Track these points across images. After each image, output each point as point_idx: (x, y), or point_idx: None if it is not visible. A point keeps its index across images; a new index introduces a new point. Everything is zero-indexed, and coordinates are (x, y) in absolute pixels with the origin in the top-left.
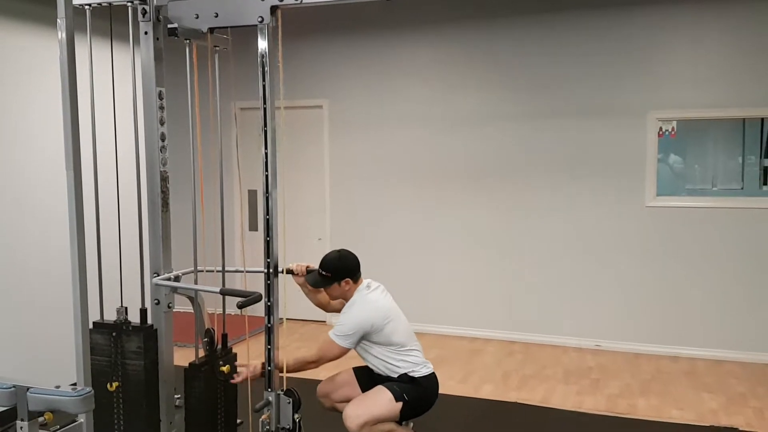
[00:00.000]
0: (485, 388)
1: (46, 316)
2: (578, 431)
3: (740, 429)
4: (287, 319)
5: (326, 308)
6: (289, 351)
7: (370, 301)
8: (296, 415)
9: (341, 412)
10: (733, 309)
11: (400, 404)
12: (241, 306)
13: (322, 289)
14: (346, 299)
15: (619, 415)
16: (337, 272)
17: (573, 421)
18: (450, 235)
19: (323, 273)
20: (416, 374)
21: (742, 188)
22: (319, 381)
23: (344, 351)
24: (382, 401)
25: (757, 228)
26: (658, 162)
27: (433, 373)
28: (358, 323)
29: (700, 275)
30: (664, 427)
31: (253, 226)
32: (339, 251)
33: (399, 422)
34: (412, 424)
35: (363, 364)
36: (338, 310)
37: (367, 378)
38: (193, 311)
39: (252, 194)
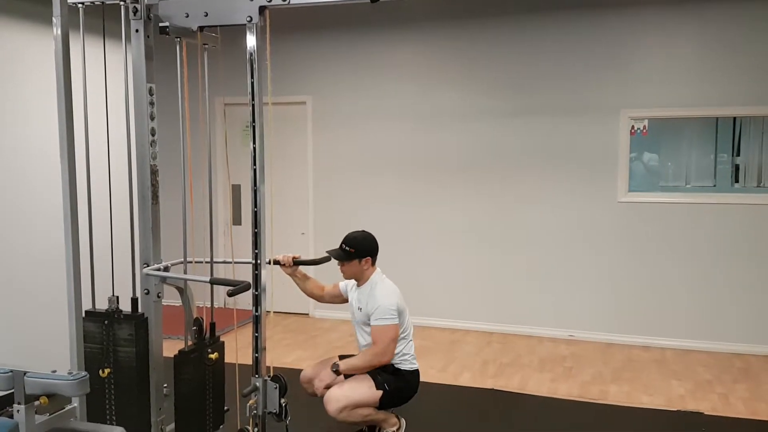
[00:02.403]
0: (464, 375)
1: (38, 306)
2: (552, 416)
3: (706, 413)
4: (271, 312)
5: (319, 297)
6: (273, 342)
7: (392, 284)
8: (282, 400)
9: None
10: (701, 301)
11: (380, 393)
12: (231, 294)
13: (339, 264)
14: (360, 279)
15: (592, 401)
16: (361, 250)
17: (547, 406)
18: (429, 229)
19: (347, 248)
20: (402, 366)
21: (714, 186)
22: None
23: (398, 329)
24: (362, 388)
25: (727, 223)
26: (632, 160)
27: (418, 369)
28: (395, 301)
29: (671, 268)
30: (634, 412)
31: (237, 221)
32: (363, 231)
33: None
34: (404, 424)
35: (348, 353)
36: (331, 299)
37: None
38: (181, 304)
39: (236, 189)
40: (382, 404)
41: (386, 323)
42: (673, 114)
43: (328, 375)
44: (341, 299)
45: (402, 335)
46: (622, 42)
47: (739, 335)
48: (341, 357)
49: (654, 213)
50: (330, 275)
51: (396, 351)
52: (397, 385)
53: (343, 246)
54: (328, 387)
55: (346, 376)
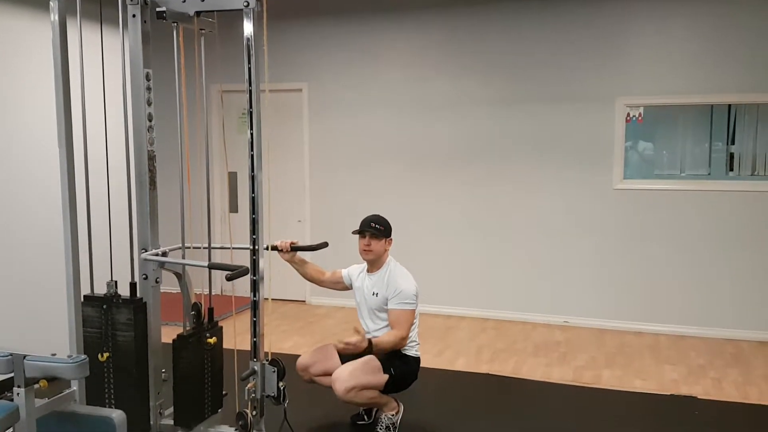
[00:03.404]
0: (459, 361)
1: (37, 290)
2: (546, 400)
3: (698, 397)
4: (269, 299)
5: (319, 282)
6: (270, 328)
7: (407, 271)
8: (281, 383)
9: (320, 384)
10: (694, 287)
11: (386, 376)
12: (229, 278)
13: (367, 243)
14: (377, 262)
15: (585, 385)
16: (388, 229)
17: (541, 390)
18: (425, 216)
19: (377, 227)
20: (408, 353)
21: (709, 174)
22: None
23: (414, 314)
24: (371, 370)
25: (722, 210)
26: (628, 149)
27: (419, 357)
28: (415, 287)
29: (665, 256)
30: (627, 396)
31: (233, 209)
32: (378, 215)
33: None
34: (402, 409)
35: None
36: (331, 285)
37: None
38: (179, 291)
39: (233, 176)
40: (387, 388)
41: (408, 308)
42: (669, 101)
43: (326, 362)
44: (342, 286)
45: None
46: (617, 29)
47: (732, 321)
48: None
49: (649, 200)
50: (326, 261)
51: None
52: (402, 370)
53: (373, 224)
54: (324, 374)
55: (345, 359)
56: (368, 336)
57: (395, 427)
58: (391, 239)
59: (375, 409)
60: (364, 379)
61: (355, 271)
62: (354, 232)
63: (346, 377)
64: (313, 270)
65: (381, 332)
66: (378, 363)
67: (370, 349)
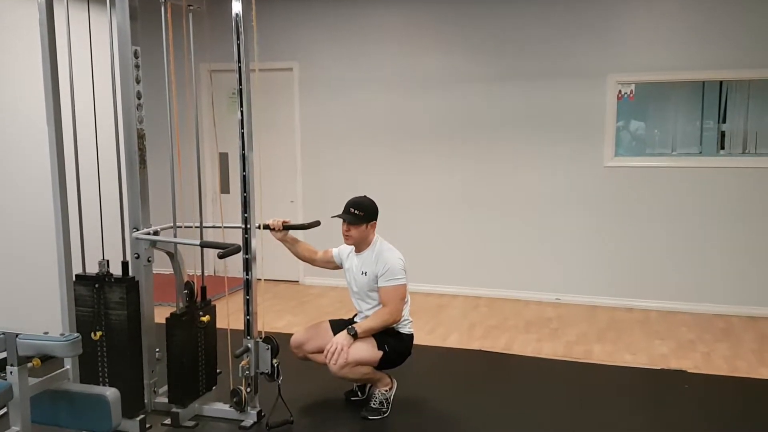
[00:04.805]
0: (452, 337)
1: (29, 270)
2: (538, 374)
3: (688, 371)
4: (262, 279)
5: (311, 261)
6: (264, 308)
7: (394, 247)
8: (274, 361)
9: (314, 362)
10: (684, 263)
11: (381, 353)
12: (221, 256)
13: (346, 228)
14: (362, 244)
15: (576, 360)
16: (369, 214)
17: (532, 365)
18: (416, 195)
19: (356, 212)
20: (402, 330)
21: (700, 152)
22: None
23: (406, 288)
24: (365, 347)
25: (712, 188)
26: (619, 129)
27: (413, 334)
28: (401, 261)
29: (655, 232)
30: (617, 370)
31: (225, 189)
32: (364, 196)
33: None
34: (395, 385)
35: (337, 317)
36: (323, 265)
37: (342, 330)
38: (171, 271)
39: (223, 157)
40: (381, 365)
41: (397, 283)
42: (660, 78)
43: (320, 339)
44: (333, 265)
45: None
46: (609, 5)
47: (722, 297)
48: (331, 321)
49: (640, 177)
50: (318, 241)
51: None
52: (396, 347)
53: (352, 210)
54: (318, 351)
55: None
56: (362, 315)
57: (388, 403)
58: (374, 223)
59: (369, 386)
60: (358, 355)
61: (345, 250)
62: (333, 217)
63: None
64: (305, 249)
65: (373, 311)
66: (373, 339)
67: (356, 335)
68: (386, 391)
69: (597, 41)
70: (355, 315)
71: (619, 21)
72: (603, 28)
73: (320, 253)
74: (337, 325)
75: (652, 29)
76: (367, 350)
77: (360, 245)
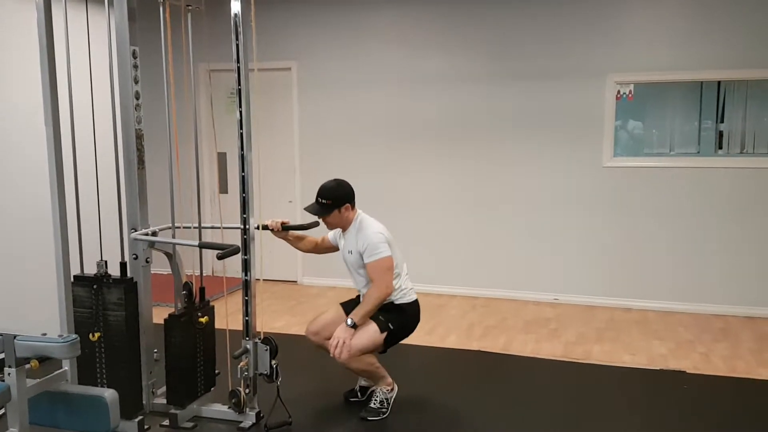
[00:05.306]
0: (450, 338)
1: (26, 271)
2: (536, 375)
3: (687, 372)
4: (261, 279)
5: (316, 251)
6: (262, 308)
7: (376, 222)
8: (273, 361)
9: (327, 351)
10: (683, 263)
11: (384, 335)
12: (220, 257)
13: (321, 219)
14: (345, 226)
15: (575, 360)
16: (338, 199)
17: (531, 365)
18: (414, 195)
19: (324, 201)
20: (402, 301)
21: (698, 152)
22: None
23: (392, 260)
24: (367, 333)
25: (710, 188)
26: (617, 127)
27: (416, 299)
28: (383, 235)
29: (654, 233)
30: (616, 371)
31: (223, 189)
32: (335, 180)
33: (384, 350)
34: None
35: (347, 299)
36: (326, 251)
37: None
38: (170, 272)
39: (222, 157)
40: (388, 343)
41: (379, 257)
42: (659, 78)
43: (334, 325)
44: (334, 249)
45: (397, 270)
46: (608, 5)
47: (720, 297)
48: (342, 305)
49: (639, 178)
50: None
51: (394, 287)
52: (399, 321)
53: (320, 200)
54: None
55: None
56: (362, 293)
57: (389, 404)
58: (347, 205)
59: (369, 389)
60: (361, 344)
61: (338, 231)
62: (305, 209)
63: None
64: (308, 242)
65: (358, 287)
66: (374, 324)
67: (354, 324)
68: (388, 391)
69: (596, 41)
70: (358, 296)
71: (618, 21)
72: (602, 29)
73: (319, 241)
74: (348, 306)
75: (651, 30)
76: (369, 337)
77: (343, 227)
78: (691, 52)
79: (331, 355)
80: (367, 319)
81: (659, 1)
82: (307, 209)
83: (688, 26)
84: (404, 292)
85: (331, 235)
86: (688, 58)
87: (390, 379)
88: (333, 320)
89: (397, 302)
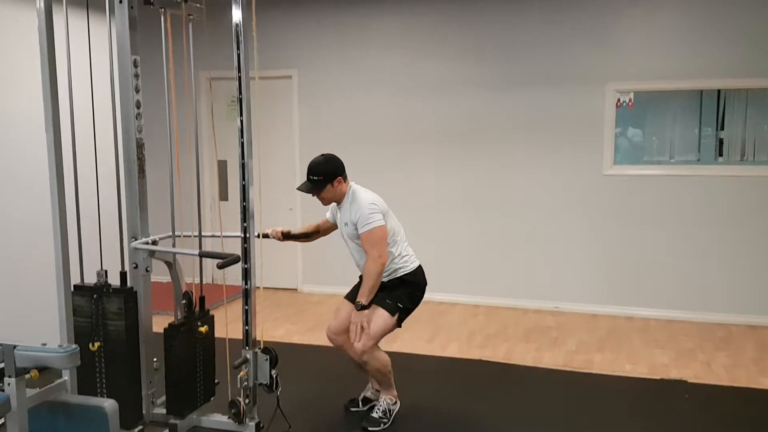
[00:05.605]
0: (451, 346)
1: (26, 280)
2: (538, 385)
3: (689, 381)
4: (261, 287)
5: (325, 234)
6: (262, 316)
7: (370, 192)
8: (273, 371)
9: (347, 354)
10: (684, 272)
11: (395, 317)
12: (221, 267)
13: (315, 196)
14: (340, 199)
15: (576, 370)
16: (329, 174)
17: (533, 375)
18: (415, 202)
19: (315, 178)
20: (405, 270)
21: (698, 160)
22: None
23: (385, 228)
24: (380, 320)
25: (710, 196)
26: (617, 135)
27: (419, 265)
28: (376, 205)
29: (654, 240)
30: (618, 380)
31: (223, 197)
32: (322, 155)
33: (399, 325)
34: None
35: (346, 290)
36: (328, 231)
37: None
38: (170, 280)
39: (222, 164)
40: (400, 320)
41: (372, 227)
42: (659, 86)
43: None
44: (335, 227)
45: (394, 237)
46: (608, 14)
47: (721, 305)
48: (346, 296)
49: (639, 186)
50: (319, 243)
51: (393, 255)
52: (407, 295)
53: (311, 177)
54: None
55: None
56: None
57: (390, 415)
58: (339, 178)
59: (371, 401)
60: (377, 330)
61: (334, 207)
62: (298, 189)
63: (361, 340)
64: (316, 234)
65: (358, 266)
66: (382, 311)
67: (363, 306)
68: (391, 402)
69: (596, 49)
70: (358, 283)
71: (618, 29)
72: (602, 37)
73: (321, 224)
74: (353, 295)
75: (652, 38)
76: (383, 323)
77: (338, 201)
78: (691, 61)
79: (352, 341)
80: (373, 293)
81: (660, 9)
82: (300, 188)
83: (688, 35)
84: (405, 259)
85: (329, 213)
86: (689, 66)
87: (395, 392)
88: (347, 315)
89: (401, 273)
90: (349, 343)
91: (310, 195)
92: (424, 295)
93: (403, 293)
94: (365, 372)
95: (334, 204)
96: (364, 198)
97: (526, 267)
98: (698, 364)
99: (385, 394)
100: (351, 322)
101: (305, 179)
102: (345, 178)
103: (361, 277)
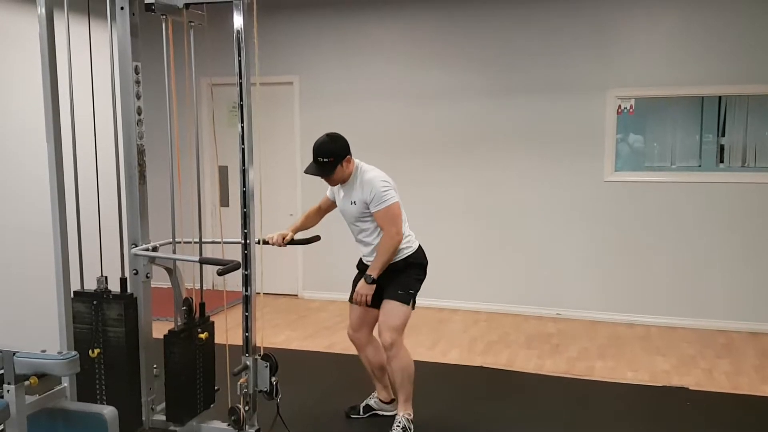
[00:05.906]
0: (452, 353)
1: (25, 286)
2: (539, 391)
3: (690, 388)
4: (261, 293)
5: (326, 211)
6: (263, 322)
7: (375, 168)
8: (273, 378)
9: (366, 364)
10: (686, 279)
11: (409, 304)
12: (221, 273)
13: (324, 179)
14: (347, 178)
15: (578, 377)
16: (338, 154)
17: (535, 382)
18: (415, 209)
19: (324, 160)
20: (409, 251)
21: (699, 166)
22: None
23: (399, 205)
24: (398, 314)
25: (712, 202)
26: (618, 141)
27: (419, 244)
28: (387, 181)
29: (656, 247)
30: (619, 387)
31: (224, 202)
32: (327, 135)
33: (413, 308)
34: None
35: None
36: (329, 210)
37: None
38: (170, 286)
39: (223, 170)
40: (414, 302)
41: (387, 204)
42: (660, 93)
43: (368, 316)
44: (335, 205)
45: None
46: (609, 21)
47: (723, 312)
48: (353, 285)
49: (640, 193)
50: (319, 245)
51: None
52: (414, 277)
53: (320, 159)
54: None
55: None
56: (368, 248)
57: (410, 431)
58: (348, 157)
59: (373, 410)
60: (396, 322)
61: (335, 186)
62: (306, 173)
63: (381, 330)
64: (318, 218)
65: (371, 238)
66: (395, 303)
67: (374, 279)
68: (410, 418)
69: (597, 56)
70: (363, 269)
71: (619, 36)
72: (603, 44)
73: (322, 205)
74: (358, 280)
75: (652, 45)
76: (402, 314)
77: (345, 180)
78: (692, 68)
79: (356, 303)
80: (384, 268)
81: (660, 16)
82: (307, 171)
83: (689, 41)
84: (408, 239)
85: (330, 192)
86: (689, 73)
87: (412, 409)
88: (359, 313)
89: (404, 255)
90: (370, 342)
91: (320, 176)
92: (427, 300)
93: (410, 279)
94: (379, 378)
95: (336, 186)
96: (375, 176)
97: (527, 274)
98: (699, 371)
99: (402, 408)
100: (356, 293)
101: (312, 161)
102: (351, 156)
103: (361, 260)
